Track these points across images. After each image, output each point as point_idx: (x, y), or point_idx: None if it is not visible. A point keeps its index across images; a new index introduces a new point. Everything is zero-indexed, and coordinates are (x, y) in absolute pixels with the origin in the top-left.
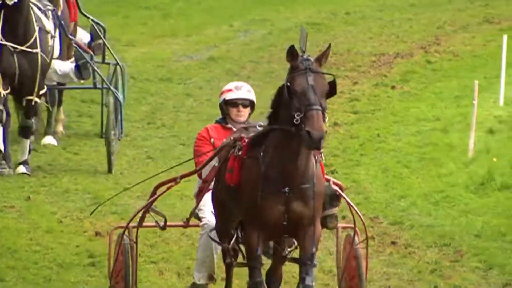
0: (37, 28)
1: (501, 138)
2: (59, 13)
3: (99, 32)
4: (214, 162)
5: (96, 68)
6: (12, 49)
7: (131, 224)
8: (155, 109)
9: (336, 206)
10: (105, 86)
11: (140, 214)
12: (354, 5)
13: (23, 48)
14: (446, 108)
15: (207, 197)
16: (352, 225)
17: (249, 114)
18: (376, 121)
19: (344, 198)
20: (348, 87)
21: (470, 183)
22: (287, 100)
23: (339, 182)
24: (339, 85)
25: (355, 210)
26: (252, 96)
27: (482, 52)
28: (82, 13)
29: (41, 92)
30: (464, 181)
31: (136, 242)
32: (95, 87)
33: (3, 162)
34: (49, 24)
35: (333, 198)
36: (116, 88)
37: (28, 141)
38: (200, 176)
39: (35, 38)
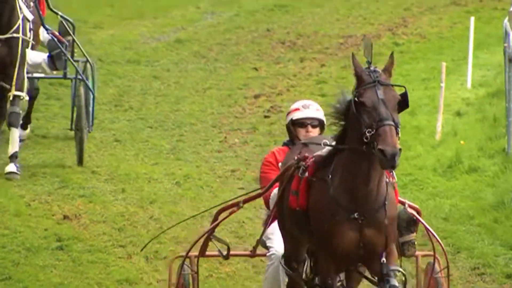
0: (21, 16)
1: (468, 121)
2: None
3: (68, 29)
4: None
5: (70, 58)
6: None
7: (192, 253)
8: (122, 91)
9: (413, 232)
10: (78, 77)
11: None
12: None
13: (6, 36)
14: (414, 90)
15: (276, 224)
16: (432, 252)
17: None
18: None
19: (421, 223)
20: (315, 70)
21: (438, 166)
22: (355, 116)
23: (415, 206)
24: (306, 68)
25: (434, 236)
26: (321, 115)
27: (449, 34)
28: (51, 9)
29: (24, 84)
30: (432, 164)
31: (197, 273)
32: (65, 77)
33: None
34: (29, 15)
35: (410, 223)
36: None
37: (17, 130)
38: (267, 205)
39: (18, 26)
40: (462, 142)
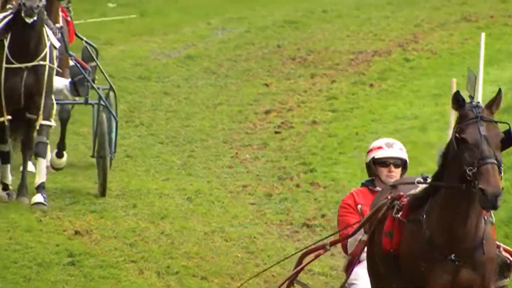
0: (48, 44)
1: None
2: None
3: (92, 54)
4: (360, 236)
5: (93, 85)
6: (24, 67)
7: None
8: (133, 107)
9: (507, 277)
10: (101, 102)
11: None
12: (330, 3)
13: (33, 63)
14: (424, 106)
15: (360, 270)
16: None
17: (401, 176)
18: (354, 119)
19: None
20: (326, 85)
21: None
22: (456, 153)
23: (510, 249)
24: (317, 83)
25: None
26: (404, 155)
27: (460, 50)
28: (76, 34)
29: (52, 112)
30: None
31: None
32: (86, 103)
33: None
34: (56, 42)
35: (504, 268)
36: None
37: (45, 160)
38: (345, 250)
39: (45, 53)
40: None
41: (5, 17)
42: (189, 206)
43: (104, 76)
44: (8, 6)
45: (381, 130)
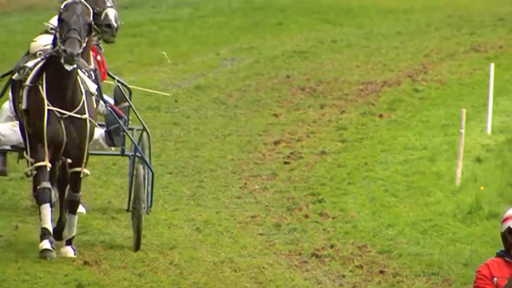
0: (83, 91)
1: (488, 167)
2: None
3: (125, 94)
4: None
5: (129, 135)
6: (59, 114)
7: None
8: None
9: None
10: (134, 153)
11: None
12: (340, 33)
13: (72, 114)
14: (434, 136)
15: None
16: None
17: None
18: (363, 149)
19: None
20: (335, 116)
21: (457, 211)
22: None
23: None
24: (326, 114)
25: None
26: None
27: (469, 80)
28: (108, 73)
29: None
30: (451, 210)
31: None
32: (123, 154)
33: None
34: (92, 86)
35: None
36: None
37: (76, 217)
38: None
39: (83, 103)
40: (482, 188)
41: (37, 63)
42: (198, 237)
43: (137, 116)
44: (38, 52)
45: (390, 161)
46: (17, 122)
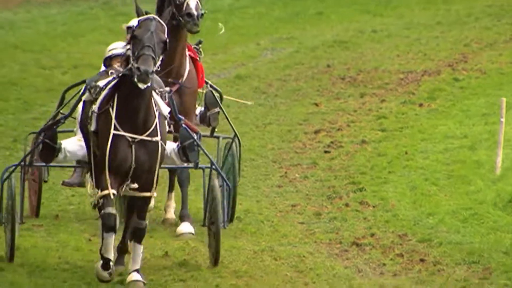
0: (156, 114)
1: None
2: (181, 81)
3: (216, 99)
4: None
5: (204, 150)
6: (130, 139)
7: None
8: None
9: None
10: (211, 166)
11: None
12: (380, 23)
13: (143, 137)
14: (474, 125)
15: None
16: None
17: None
18: (403, 138)
19: None
20: (375, 105)
21: (498, 200)
22: None
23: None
24: (366, 103)
25: None
26: None
27: (509, 70)
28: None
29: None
30: (492, 198)
31: None
32: (196, 167)
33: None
34: (165, 108)
35: None
36: (230, 167)
37: (142, 247)
38: None
39: (155, 125)
40: None
41: (108, 83)
42: (238, 225)
43: (229, 123)
44: (110, 71)
45: (430, 150)
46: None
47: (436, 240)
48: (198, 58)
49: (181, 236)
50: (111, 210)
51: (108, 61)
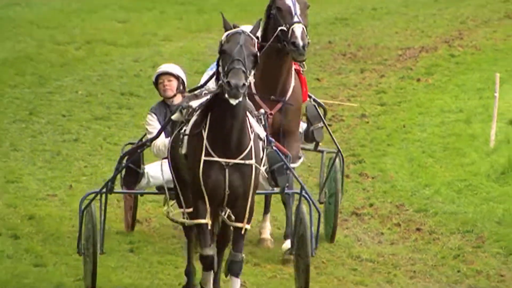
0: (252, 136)
1: None
2: (286, 99)
3: (319, 114)
4: None
5: (295, 174)
6: (224, 164)
7: None
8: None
9: None
10: (300, 192)
11: None
12: (380, 1)
13: (236, 161)
14: (469, 99)
15: None
16: None
17: None
18: (402, 112)
19: None
20: (375, 80)
21: (491, 172)
22: None
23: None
24: (366, 78)
25: None
26: None
27: (503, 46)
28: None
29: (251, 216)
30: (485, 170)
31: None
32: (283, 192)
33: None
34: (262, 132)
35: None
36: (332, 183)
37: (239, 281)
38: None
39: (250, 148)
40: None
41: (202, 104)
42: None
43: (332, 138)
44: (204, 92)
45: (427, 123)
46: (166, 160)
47: (432, 210)
48: (302, 71)
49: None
50: (209, 251)
51: (157, 79)
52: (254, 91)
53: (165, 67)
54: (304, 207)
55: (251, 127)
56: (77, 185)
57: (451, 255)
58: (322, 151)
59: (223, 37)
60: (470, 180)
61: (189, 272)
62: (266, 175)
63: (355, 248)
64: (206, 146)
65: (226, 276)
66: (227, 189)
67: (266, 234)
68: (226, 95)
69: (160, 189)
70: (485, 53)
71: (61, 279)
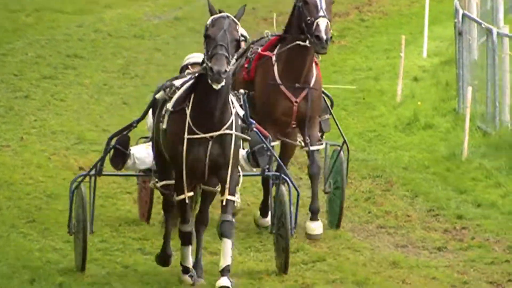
0: (233, 111)
1: (424, 85)
2: (312, 84)
3: (327, 105)
4: None
5: (275, 154)
6: (208, 137)
7: None
8: (129, 62)
9: None
10: (280, 173)
11: None
12: None
13: (219, 132)
14: (377, 59)
15: None
16: None
17: None
18: None
19: None
20: None
21: (398, 123)
22: None
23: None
24: None
25: None
26: None
27: (407, 12)
28: None
29: (237, 187)
30: (393, 122)
31: None
32: (263, 174)
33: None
34: (240, 110)
35: None
36: (333, 174)
37: (230, 241)
38: None
39: (231, 122)
40: (419, 103)
41: (184, 83)
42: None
43: (339, 130)
44: (187, 71)
45: (340, 80)
46: (151, 143)
47: (345, 157)
48: (317, 61)
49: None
50: (187, 227)
51: (185, 70)
52: (278, 80)
53: (196, 59)
54: (284, 188)
55: (232, 103)
56: (28, 137)
57: (362, 198)
58: (325, 144)
59: (208, 21)
60: (379, 131)
61: (165, 256)
62: (246, 156)
63: None
64: (189, 123)
65: (220, 237)
66: (207, 160)
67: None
68: (209, 80)
69: (145, 171)
70: (391, 18)
71: (14, 221)
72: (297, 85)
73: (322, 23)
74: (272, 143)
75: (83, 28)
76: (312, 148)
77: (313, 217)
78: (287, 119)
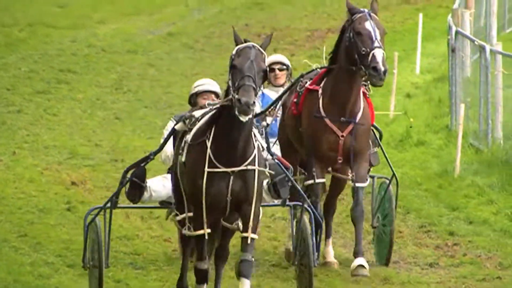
0: (255, 145)
1: (417, 102)
2: (356, 120)
3: (376, 138)
4: None
5: (297, 185)
6: (230, 172)
7: None
8: (122, 77)
9: None
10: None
11: None
12: None
13: (241, 168)
14: None
15: None
16: None
17: None
18: None
19: None
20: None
21: (391, 140)
22: None
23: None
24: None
25: None
26: None
27: (401, 28)
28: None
29: (259, 224)
30: (386, 138)
31: None
32: (284, 204)
33: None
34: (263, 143)
35: None
36: (382, 208)
37: (249, 281)
38: None
39: (254, 156)
40: (411, 119)
41: (204, 114)
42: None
43: (388, 163)
44: (207, 102)
45: None
46: (167, 174)
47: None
48: (368, 95)
49: (358, 274)
50: (203, 265)
51: (194, 98)
52: (323, 113)
53: (205, 86)
54: (306, 218)
55: (254, 136)
56: (20, 151)
57: None
58: (373, 177)
59: (234, 51)
60: None
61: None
62: (267, 187)
63: None
64: (210, 156)
65: (237, 277)
66: (229, 195)
67: (331, 257)
68: (236, 112)
69: (162, 203)
70: (385, 34)
71: (6, 235)
72: (342, 119)
73: (379, 54)
74: (319, 180)
75: (76, 43)
76: (357, 185)
77: (357, 256)
78: (334, 154)
